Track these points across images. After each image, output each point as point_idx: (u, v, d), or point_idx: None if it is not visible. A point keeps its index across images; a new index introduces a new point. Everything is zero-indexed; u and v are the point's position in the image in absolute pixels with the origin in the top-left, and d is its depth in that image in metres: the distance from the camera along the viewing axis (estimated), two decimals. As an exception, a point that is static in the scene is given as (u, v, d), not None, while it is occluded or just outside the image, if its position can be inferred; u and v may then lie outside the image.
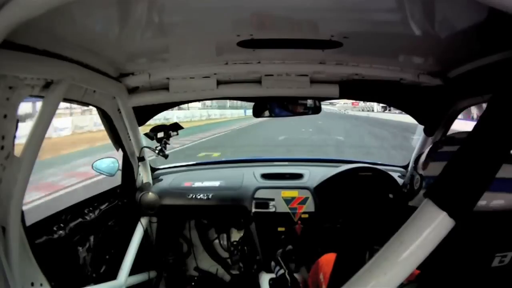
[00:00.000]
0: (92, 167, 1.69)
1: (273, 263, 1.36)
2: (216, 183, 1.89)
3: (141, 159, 1.76)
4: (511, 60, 0.87)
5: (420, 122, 1.64)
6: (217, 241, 2.02)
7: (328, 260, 1.12)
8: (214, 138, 13.45)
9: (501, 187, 0.60)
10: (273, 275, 1.75)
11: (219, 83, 1.44)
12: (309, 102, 1.62)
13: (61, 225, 1.25)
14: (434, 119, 1.57)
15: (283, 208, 1.77)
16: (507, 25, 0.66)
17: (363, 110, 37.00)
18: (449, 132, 1.62)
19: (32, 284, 0.89)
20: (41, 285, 0.91)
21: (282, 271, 1.29)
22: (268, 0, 0.77)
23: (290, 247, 1.48)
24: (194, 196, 1.81)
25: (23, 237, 0.87)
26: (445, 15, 0.81)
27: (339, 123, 19.99)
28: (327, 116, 23.70)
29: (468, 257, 0.63)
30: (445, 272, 0.64)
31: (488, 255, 0.61)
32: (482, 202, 0.58)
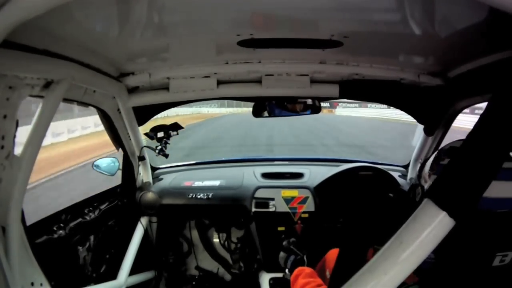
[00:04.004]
0: (92, 166, 1.69)
1: (282, 254, 1.33)
2: (216, 183, 1.89)
3: (141, 158, 1.76)
4: (511, 60, 0.87)
5: (420, 122, 1.63)
6: (217, 240, 2.02)
7: (334, 256, 1.11)
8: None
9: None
10: (273, 275, 1.75)
11: (219, 82, 1.44)
12: (309, 102, 1.62)
13: (61, 225, 1.26)
14: (434, 119, 1.57)
15: (283, 207, 1.77)
16: (507, 25, 0.66)
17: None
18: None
19: (32, 284, 0.88)
20: (41, 285, 0.91)
21: (297, 257, 1.27)
22: (268, 0, 0.77)
23: (293, 239, 1.45)
24: (194, 196, 1.81)
25: (23, 237, 0.87)
26: (445, 15, 0.81)
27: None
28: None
29: (469, 256, 0.63)
30: (447, 271, 0.64)
31: (489, 254, 0.61)
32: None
